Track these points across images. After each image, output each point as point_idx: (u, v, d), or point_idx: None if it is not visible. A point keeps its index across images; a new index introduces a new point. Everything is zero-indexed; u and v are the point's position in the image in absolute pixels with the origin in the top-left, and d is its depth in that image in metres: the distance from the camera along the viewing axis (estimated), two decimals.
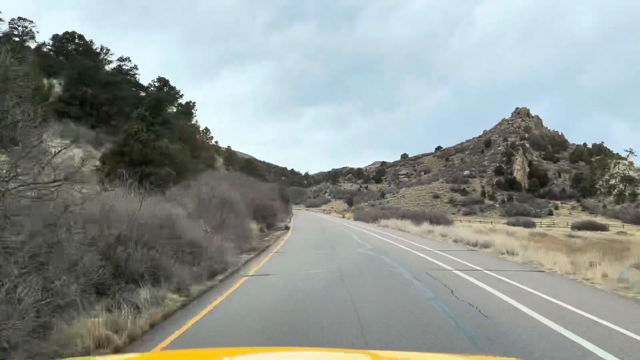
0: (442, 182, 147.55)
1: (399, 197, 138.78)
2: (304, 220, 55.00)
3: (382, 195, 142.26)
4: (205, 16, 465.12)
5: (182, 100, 74.77)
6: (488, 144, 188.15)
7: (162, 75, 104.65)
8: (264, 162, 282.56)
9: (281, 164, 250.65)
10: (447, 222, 42.96)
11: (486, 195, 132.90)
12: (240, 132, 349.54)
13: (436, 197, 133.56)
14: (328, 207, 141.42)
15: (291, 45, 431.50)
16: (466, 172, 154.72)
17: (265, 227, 36.01)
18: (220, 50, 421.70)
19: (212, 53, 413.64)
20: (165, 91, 67.95)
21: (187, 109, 60.00)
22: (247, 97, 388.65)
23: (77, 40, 67.28)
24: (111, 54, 68.51)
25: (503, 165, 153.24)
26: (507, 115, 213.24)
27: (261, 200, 39.64)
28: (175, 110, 57.48)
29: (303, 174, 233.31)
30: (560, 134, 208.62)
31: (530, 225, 79.58)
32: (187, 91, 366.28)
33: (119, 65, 71.02)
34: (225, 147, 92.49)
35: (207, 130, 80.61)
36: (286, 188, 55.45)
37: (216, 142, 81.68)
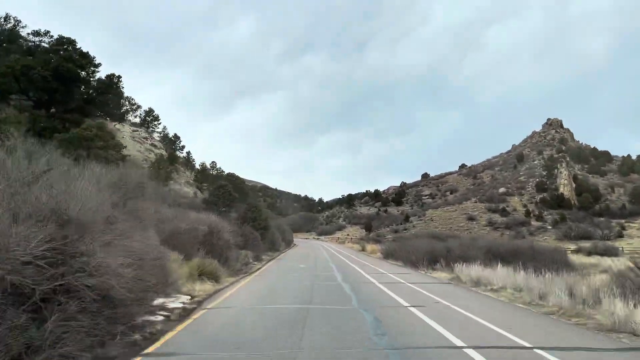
0: (475, 202, 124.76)
1: (426, 220, 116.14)
2: (292, 258, 33.54)
3: (407, 219, 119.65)
4: (219, 50, 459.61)
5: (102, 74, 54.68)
6: (521, 158, 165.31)
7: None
8: (276, 190, 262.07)
9: (296, 192, 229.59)
10: (567, 265, 21.39)
11: (531, 215, 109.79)
12: (254, 161, 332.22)
13: (471, 219, 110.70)
14: (342, 235, 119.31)
15: (303, 74, 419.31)
16: (502, 190, 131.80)
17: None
18: (234, 82, 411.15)
19: (227, 85, 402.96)
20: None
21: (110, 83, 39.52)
22: (261, 127, 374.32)
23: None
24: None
25: (545, 181, 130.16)
26: (524, 134, 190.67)
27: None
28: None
29: (317, 200, 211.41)
30: (592, 147, 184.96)
31: (612, 252, 57.09)
32: (202, 124, 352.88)
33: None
34: (206, 162, 71.92)
35: (176, 137, 60.15)
36: (262, 207, 33.71)
37: (188, 152, 60.88)
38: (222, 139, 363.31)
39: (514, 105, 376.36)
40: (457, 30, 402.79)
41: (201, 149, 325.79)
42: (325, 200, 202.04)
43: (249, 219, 29.60)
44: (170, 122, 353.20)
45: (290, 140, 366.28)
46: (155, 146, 52.09)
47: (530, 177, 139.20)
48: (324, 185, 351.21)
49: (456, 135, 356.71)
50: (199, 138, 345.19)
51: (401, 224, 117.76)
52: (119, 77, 40.06)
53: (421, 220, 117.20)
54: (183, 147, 59.16)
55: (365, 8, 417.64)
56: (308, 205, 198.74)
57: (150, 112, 60.37)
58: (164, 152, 52.53)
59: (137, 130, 51.08)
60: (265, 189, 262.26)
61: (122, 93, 45.03)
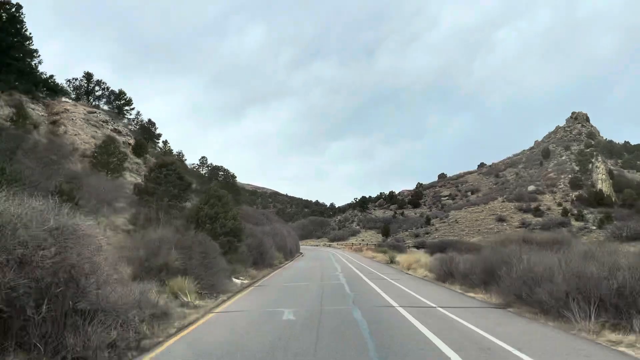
0: (503, 201, 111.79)
1: (449, 222, 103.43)
2: (284, 286, 21.56)
3: (428, 222, 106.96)
4: (230, 59, 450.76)
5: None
6: (547, 154, 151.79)
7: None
8: (286, 195, 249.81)
9: (307, 198, 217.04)
10: None
11: (569, 214, 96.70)
12: (265, 168, 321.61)
13: (501, 220, 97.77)
14: (357, 241, 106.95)
15: (313, 81, 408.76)
16: (531, 188, 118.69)
17: None
18: (245, 90, 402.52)
19: (237, 94, 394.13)
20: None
21: None
22: (272, 134, 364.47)
23: None
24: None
25: (580, 176, 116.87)
26: (540, 132, 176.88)
27: None
28: None
29: (328, 205, 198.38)
30: (624, 141, 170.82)
31: None
32: (214, 132, 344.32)
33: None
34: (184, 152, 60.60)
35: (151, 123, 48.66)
36: (226, 197, 21.63)
37: (164, 142, 49.31)
38: (234, 147, 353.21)
39: (527, 105, 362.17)
40: (466, 32, 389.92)
41: (213, 156, 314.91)
42: (337, 206, 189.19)
43: (202, 218, 17.76)
44: (181, 131, 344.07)
45: (301, 147, 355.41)
46: (119, 132, 40.54)
47: (561, 174, 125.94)
48: (336, 191, 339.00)
49: (468, 137, 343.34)
50: (210, 146, 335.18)
51: (422, 227, 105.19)
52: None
53: (444, 222, 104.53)
54: (159, 135, 47.73)
55: (374, 14, 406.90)
56: (319, 210, 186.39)
57: (121, 95, 48.96)
58: (129, 140, 40.93)
59: (95, 112, 39.74)
60: (275, 194, 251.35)
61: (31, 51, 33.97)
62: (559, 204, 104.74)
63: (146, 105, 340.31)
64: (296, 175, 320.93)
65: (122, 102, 48.53)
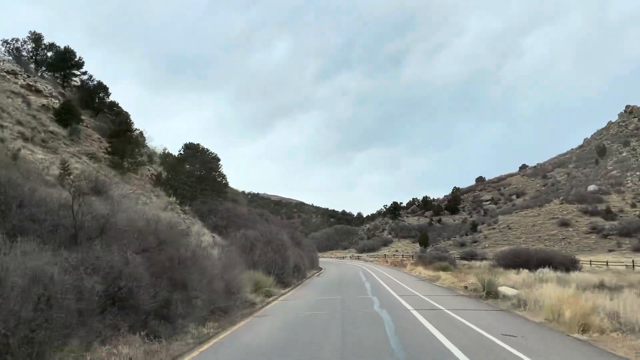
0: (561, 203, 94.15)
1: (500, 228, 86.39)
2: None
3: (474, 228, 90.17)
4: (256, 73, 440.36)
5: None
6: (602, 151, 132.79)
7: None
8: (311, 205, 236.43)
9: (333, 208, 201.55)
10: None
11: None
12: (291, 180, 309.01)
13: (565, 224, 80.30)
14: (390, 252, 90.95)
15: (339, 92, 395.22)
16: (592, 188, 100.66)
17: None
18: (271, 103, 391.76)
19: (265, 107, 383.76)
20: None
21: None
22: (299, 146, 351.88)
23: None
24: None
25: None
26: (578, 136, 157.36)
27: None
28: None
29: (355, 214, 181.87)
30: None
31: None
32: (241, 146, 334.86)
33: None
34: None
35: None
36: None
37: (114, 107, 34.67)
38: (260, 160, 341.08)
39: (559, 108, 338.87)
40: (494, 39, 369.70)
41: (240, 169, 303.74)
42: (365, 215, 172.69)
43: None
44: (209, 144, 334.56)
45: (327, 159, 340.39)
46: (38, 91, 26.49)
47: (626, 171, 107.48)
48: (363, 202, 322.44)
49: (498, 144, 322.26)
50: (237, 159, 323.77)
51: (467, 234, 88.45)
52: None
53: (493, 228, 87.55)
54: (105, 102, 32.48)
55: (400, 23, 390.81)
56: (346, 219, 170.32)
57: (67, 52, 35.00)
58: (53, 102, 26.74)
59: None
60: (300, 205, 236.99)
61: None
62: (633, 205, 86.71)
63: (174, 120, 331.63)
64: (322, 187, 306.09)
65: (68, 63, 34.58)
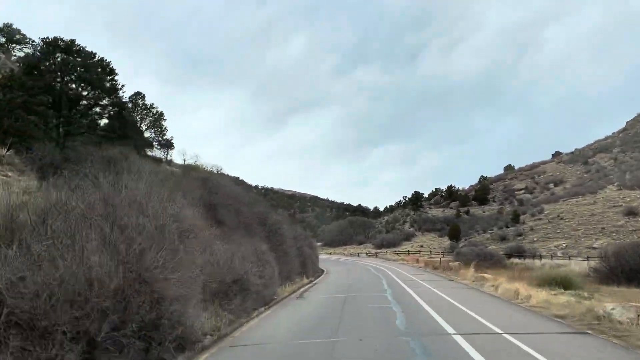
0: (620, 189, 78.21)
1: (549, 218, 70.84)
2: None
3: (515, 219, 74.63)
4: (273, 69, 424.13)
5: None
6: None
7: None
8: (327, 200, 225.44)
9: (349, 202, 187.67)
10: None
11: None
12: (307, 176, 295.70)
13: (632, 213, 64.59)
14: (414, 248, 76.00)
15: (356, 88, 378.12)
16: None
17: None
18: (287, 99, 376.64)
19: (281, 103, 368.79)
20: None
21: None
22: (315, 142, 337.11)
23: None
24: None
25: None
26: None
27: None
28: None
29: (372, 208, 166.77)
30: None
31: None
32: (258, 141, 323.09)
33: None
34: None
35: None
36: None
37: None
38: (276, 156, 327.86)
39: (579, 100, 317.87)
40: (513, 32, 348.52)
41: (256, 165, 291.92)
42: (382, 209, 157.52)
43: None
44: (226, 141, 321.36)
45: (343, 154, 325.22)
46: None
47: None
48: (379, 197, 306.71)
49: (515, 138, 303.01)
50: (254, 155, 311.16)
51: (507, 226, 73.04)
52: None
53: (539, 219, 72.01)
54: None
55: (417, 17, 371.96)
56: (362, 212, 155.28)
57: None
58: None
59: None
60: (315, 199, 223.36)
61: None
62: None
63: (192, 117, 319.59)
64: (338, 183, 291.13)
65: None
